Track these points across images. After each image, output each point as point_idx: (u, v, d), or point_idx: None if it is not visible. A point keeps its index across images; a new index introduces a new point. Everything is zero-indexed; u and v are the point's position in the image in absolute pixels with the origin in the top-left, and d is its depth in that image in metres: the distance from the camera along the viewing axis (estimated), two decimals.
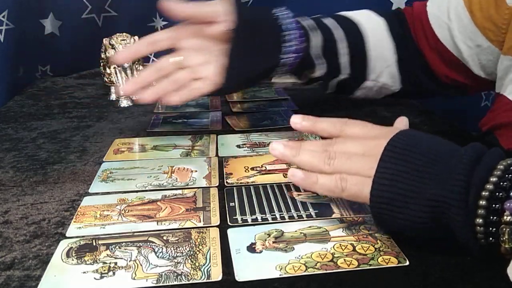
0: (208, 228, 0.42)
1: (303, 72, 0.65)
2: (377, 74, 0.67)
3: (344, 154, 0.42)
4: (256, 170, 0.53)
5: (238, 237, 0.41)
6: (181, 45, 0.58)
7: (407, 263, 0.37)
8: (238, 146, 0.60)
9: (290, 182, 0.50)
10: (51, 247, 0.40)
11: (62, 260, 0.38)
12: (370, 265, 0.37)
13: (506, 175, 0.34)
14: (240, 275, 0.36)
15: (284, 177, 0.51)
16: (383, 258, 0.38)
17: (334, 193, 0.41)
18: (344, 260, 0.38)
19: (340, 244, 0.40)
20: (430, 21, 0.65)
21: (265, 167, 0.54)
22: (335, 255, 0.38)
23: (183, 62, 0.57)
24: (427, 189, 0.36)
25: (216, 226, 0.43)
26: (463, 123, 0.68)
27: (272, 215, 0.44)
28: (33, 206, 0.47)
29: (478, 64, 0.62)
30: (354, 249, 0.39)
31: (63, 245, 0.40)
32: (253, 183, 0.50)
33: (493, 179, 0.34)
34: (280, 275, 0.36)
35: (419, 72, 0.68)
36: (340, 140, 0.44)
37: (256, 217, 0.44)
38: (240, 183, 0.51)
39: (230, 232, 0.42)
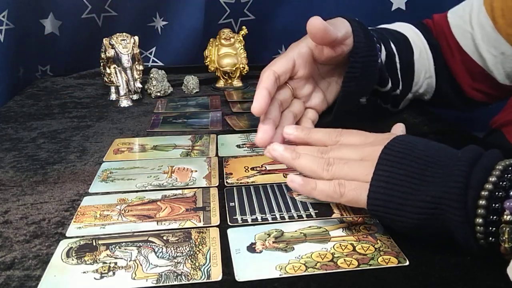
0: (208, 228, 0.42)
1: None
2: (418, 86, 0.67)
3: (342, 160, 0.42)
4: (256, 170, 0.53)
5: (238, 237, 0.41)
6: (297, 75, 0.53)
7: (407, 263, 0.37)
8: (238, 146, 0.60)
9: None
10: (51, 247, 0.40)
11: (62, 260, 0.38)
12: (370, 265, 0.37)
13: (506, 175, 0.35)
14: (240, 275, 0.36)
15: (284, 177, 0.51)
16: (383, 258, 0.38)
17: (332, 199, 0.41)
18: (344, 260, 0.38)
19: (340, 244, 0.40)
20: (452, 31, 0.65)
21: (265, 167, 0.54)
22: (335, 255, 0.38)
23: (296, 93, 0.53)
24: (424, 191, 0.36)
25: (216, 226, 0.43)
26: (464, 123, 0.68)
27: (272, 215, 0.44)
28: (33, 206, 0.47)
29: (503, 72, 0.62)
30: (354, 249, 0.39)
31: (63, 245, 0.40)
32: (253, 183, 0.50)
33: (492, 179, 0.35)
34: (280, 275, 0.36)
35: (446, 84, 0.68)
36: (336, 147, 0.44)
37: (256, 217, 0.44)
38: (240, 183, 0.50)
39: (230, 232, 0.42)
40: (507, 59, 0.61)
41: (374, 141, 0.43)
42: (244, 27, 0.86)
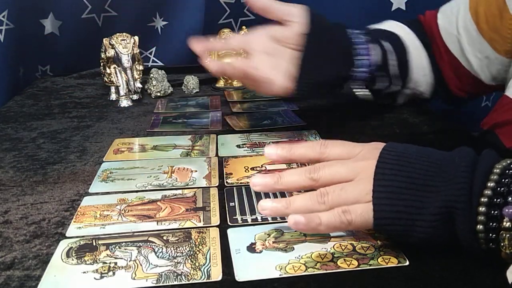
0: (208, 228, 0.42)
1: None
2: (414, 83, 0.68)
3: (337, 187, 0.39)
4: (256, 170, 0.53)
5: (238, 237, 0.41)
6: (252, 47, 0.57)
7: (407, 263, 0.37)
8: (238, 146, 0.60)
9: None
10: (51, 247, 0.40)
11: (62, 260, 0.38)
12: (370, 265, 0.37)
13: (503, 179, 0.34)
14: (240, 275, 0.36)
15: None
16: (383, 258, 0.38)
17: (341, 229, 0.39)
18: (344, 260, 0.38)
19: (340, 244, 0.40)
20: (441, 33, 0.66)
21: (265, 167, 0.54)
22: (335, 255, 0.38)
23: (254, 64, 0.56)
24: (432, 202, 0.35)
25: (216, 226, 0.43)
26: (463, 123, 0.68)
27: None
28: (33, 206, 0.47)
29: (489, 75, 0.63)
30: (354, 249, 0.39)
31: (63, 245, 0.40)
32: None
33: (491, 184, 0.34)
34: (280, 275, 0.36)
35: (437, 82, 0.69)
36: (326, 164, 0.41)
37: (256, 217, 0.44)
38: (240, 183, 0.50)
39: (230, 232, 0.42)
40: (491, 63, 0.61)
41: (363, 153, 0.41)
42: (244, 27, 0.86)
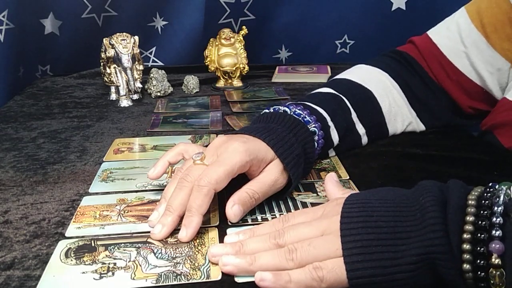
0: (207, 229, 0.42)
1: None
2: (399, 130, 0.62)
3: (304, 243, 0.36)
4: None
5: (238, 237, 0.41)
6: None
7: None
8: None
9: None
10: (51, 247, 0.40)
11: (61, 260, 0.38)
12: None
13: (481, 212, 0.32)
14: (239, 275, 0.36)
15: None
16: None
17: (312, 284, 0.35)
18: None
19: None
20: (444, 53, 0.62)
21: None
22: None
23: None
24: (405, 251, 0.33)
25: (215, 227, 0.43)
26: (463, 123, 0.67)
27: (272, 215, 0.44)
28: (33, 206, 0.47)
29: (499, 89, 0.60)
30: None
31: (62, 246, 0.40)
32: None
33: (470, 218, 0.32)
34: None
35: (444, 110, 0.64)
36: (289, 228, 0.39)
37: (256, 217, 0.44)
38: None
39: (230, 232, 0.42)
40: (502, 75, 0.58)
41: (326, 212, 0.39)
42: (244, 27, 0.86)
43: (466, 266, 0.32)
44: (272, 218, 0.44)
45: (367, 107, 0.59)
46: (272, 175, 0.46)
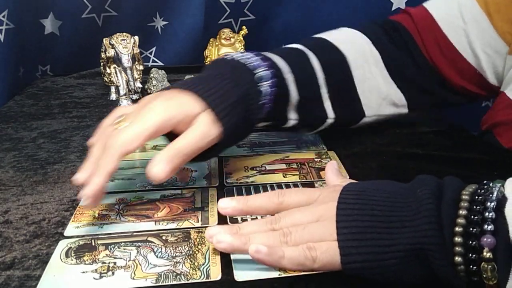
0: (207, 228, 0.42)
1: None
2: (374, 108, 0.59)
3: (299, 227, 0.37)
4: (256, 170, 0.53)
5: None
6: None
7: None
8: (238, 146, 0.60)
9: (290, 182, 0.50)
10: (51, 247, 0.40)
11: (61, 260, 0.38)
12: None
13: (474, 207, 0.33)
14: (239, 275, 0.36)
15: (284, 177, 0.51)
16: None
17: (304, 266, 0.36)
18: None
19: None
20: (441, 27, 0.58)
21: (265, 167, 0.54)
22: None
23: None
24: (398, 239, 0.34)
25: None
26: (463, 123, 0.67)
27: (272, 214, 0.44)
28: (33, 206, 0.47)
29: (494, 72, 0.57)
30: None
31: (62, 245, 0.40)
32: (253, 183, 0.50)
33: (463, 212, 0.33)
34: (279, 275, 0.36)
35: (433, 85, 0.61)
36: (285, 214, 0.39)
37: (256, 217, 0.44)
38: (240, 183, 0.51)
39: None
40: (499, 58, 0.56)
41: (322, 197, 0.39)
42: (244, 27, 0.86)
43: (458, 259, 0.32)
44: None
45: (337, 71, 0.55)
46: (200, 126, 0.42)
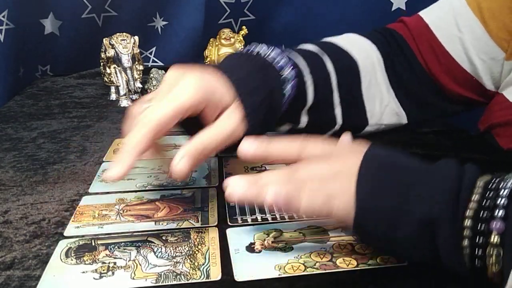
0: (207, 228, 0.42)
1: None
2: (377, 116, 0.59)
3: (315, 177, 0.37)
4: (256, 170, 0.53)
5: (237, 237, 0.41)
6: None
7: (406, 262, 0.37)
8: None
9: None
10: (51, 247, 0.40)
11: (61, 260, 0.38)
12: (369, 264, 0.37)
13: (487, 193, 0.33)
14: (239, 275, 0.36)
15: None
16: (382, 257, 0.38)
17: (320, 215, 0.36)
18: (343, 259, 0.38)
19: (339, 244, 0.40)
20: (436, 35, 0.58)
21: (265, 167, 0.54)
22: (334, 255, 0.38)
23: None
24: (415, 208, 0.34)
25: (215, 226, 0.43)
26: (463, 123, 0.67)
27: (272, 215, 0.44)
28: (33, 206, 0.47)
29: (491, 78, 0.57)
30: (353, 249, 0.39)
31: (62, 245, 0.40)
32: None
33: (476, 197, 0.33)
34: (279, 274, 0.36)
35: (430, 95, 0.61)
36: (303, 166, 0.38)
37: (256, 217, 0.44)
38: None
39: (229, 232, 0.42)
40: (496, 64, 0.56)
41: (345, 153, 0.39)
42: (244, 27, 0.86)
43: (465, 242, 0.32)
44: (272, 218, 0.44)
45: (348, 76, 0.55)
46: (229, 124, 0.41)
